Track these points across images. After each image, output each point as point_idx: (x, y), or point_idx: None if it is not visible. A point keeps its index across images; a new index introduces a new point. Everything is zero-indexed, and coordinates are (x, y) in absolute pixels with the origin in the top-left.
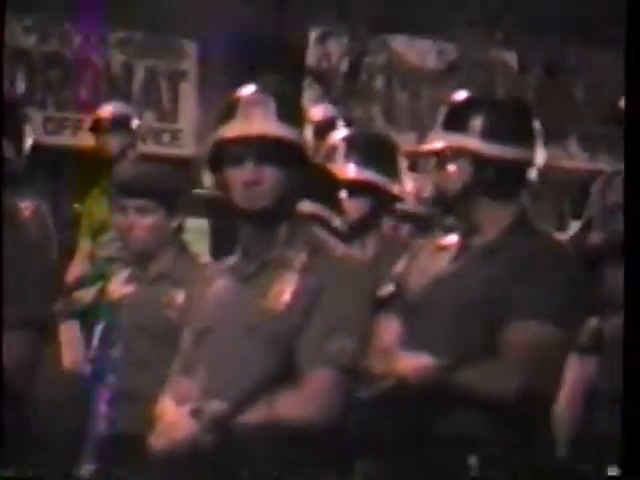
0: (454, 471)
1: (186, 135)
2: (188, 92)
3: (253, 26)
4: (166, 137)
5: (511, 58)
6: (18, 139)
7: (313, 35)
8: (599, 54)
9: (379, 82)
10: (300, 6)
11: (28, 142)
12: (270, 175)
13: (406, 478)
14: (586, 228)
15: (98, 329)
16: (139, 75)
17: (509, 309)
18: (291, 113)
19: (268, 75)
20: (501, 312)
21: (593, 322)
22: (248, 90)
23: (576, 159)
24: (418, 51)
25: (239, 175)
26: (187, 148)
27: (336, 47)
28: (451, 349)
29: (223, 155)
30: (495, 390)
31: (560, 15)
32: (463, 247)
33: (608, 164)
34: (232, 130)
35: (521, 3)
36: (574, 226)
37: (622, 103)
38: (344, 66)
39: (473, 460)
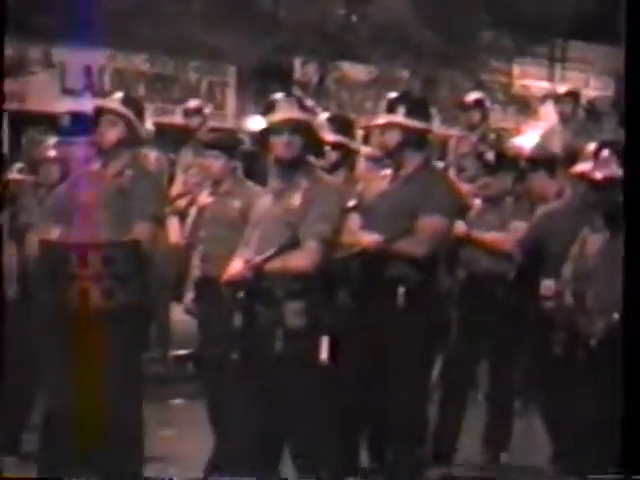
0: (390, 296)
1: (230, 117)
2: (230, 94)
3: (265, 55)
4: (219, 118)
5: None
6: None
7: (297, 61)
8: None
9: (334, 88)
10: (290, 44)
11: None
12: (295, 140)
13: (363, 297)
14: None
15: (190, 222)
16: (204, 84)
17: (419, 209)
18: (302, 106)
19: (276, 85)
20: (415, 210)
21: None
22: (279, 95)
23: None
24: (355, 70)
25: (279, 139)
26: (230, 123)
27: (311, 68)
28: (388, 231)
29: (269, 130)
30: (413, 252)
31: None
32: (394, 177)
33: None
34: (276, 116)
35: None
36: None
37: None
38: (315, 79)
39: (401, 290)
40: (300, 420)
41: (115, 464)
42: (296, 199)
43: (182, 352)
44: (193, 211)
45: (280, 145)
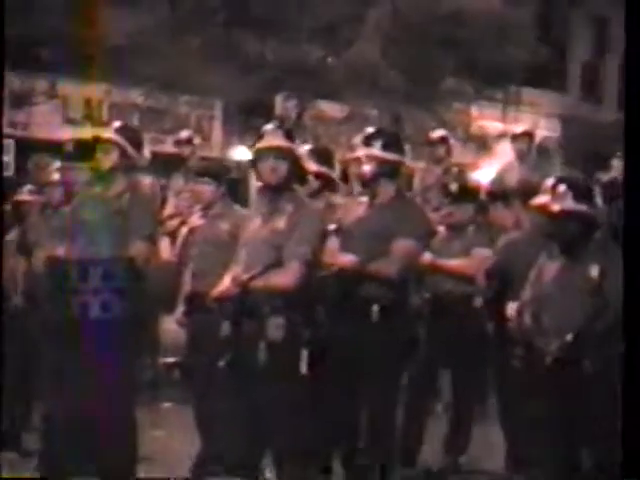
0: (365, 313)
1: (216, 147)
2: (217, 126)
3: (249, 92)
4: (206, 148)
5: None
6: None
7: (279, 98)
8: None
9: (311, 123)
10: (272, 82)
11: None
12: (281, 166)
13: (340, 314)
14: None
15: (180, 241)
16: (193, 117)
17: (393, 233)
18: (288, 136)
19: (258, 119)
20: (389, 234)
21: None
22: (268, 126)
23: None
24: (330, 108)
25: (266, 165)
26: (215, 153)
27: (290, 105)
28: (364, 254)
29: (257, 156)
30: (387, 272)
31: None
32: (370, 204)
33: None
34: (263, 143)
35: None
36: None
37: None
38: (294, 114)
39: (375, 308)
40: (280, 426)
41: (110, 462)
42: (281, 222)
43: (170, 360)
44: (184, 231)
45: (267, 170)
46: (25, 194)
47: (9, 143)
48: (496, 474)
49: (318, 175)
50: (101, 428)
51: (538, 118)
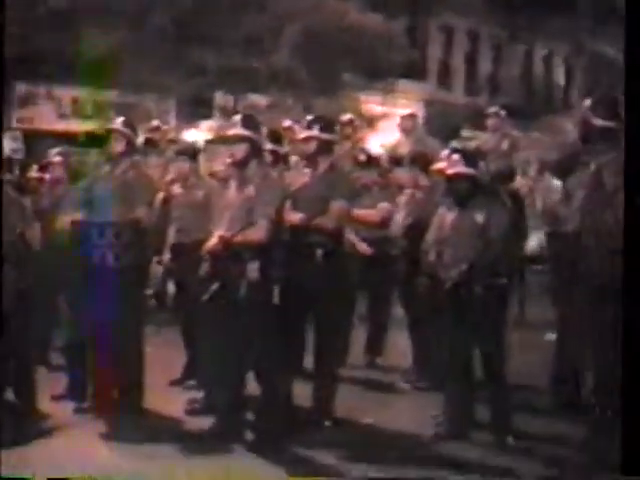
0: (312, 256)
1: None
2: (173, 116)
3: (195, 90)
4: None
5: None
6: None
7: (218, 94)
8: None
9: (243, 112)
10: (213, 82)
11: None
12: (244, 148)
13: (295, 258)
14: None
15: (158, 207)
16: (155, 111)
17: (330, 197)
18: (248, 125)
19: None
20: (327, 198)
21: None
22: (234, 119)
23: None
24: (258, 99)
25: (234, 147)
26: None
27: (228, 99)
28: (311, 211)
29: (225, 142)
30: (327, 226)
31: None
32: (312, 174)
33: None
34: (232, 132)
35: None
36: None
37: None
38: (231, 106)
39: (319, 252)
40: (258, 342)
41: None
42: (251, 190)
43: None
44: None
45: (235, 151)
46: (34, 172)
47: (17, 134)
48: (405, 370)
49: (272, 152)
50: (114, 346)
51: (408, 102)
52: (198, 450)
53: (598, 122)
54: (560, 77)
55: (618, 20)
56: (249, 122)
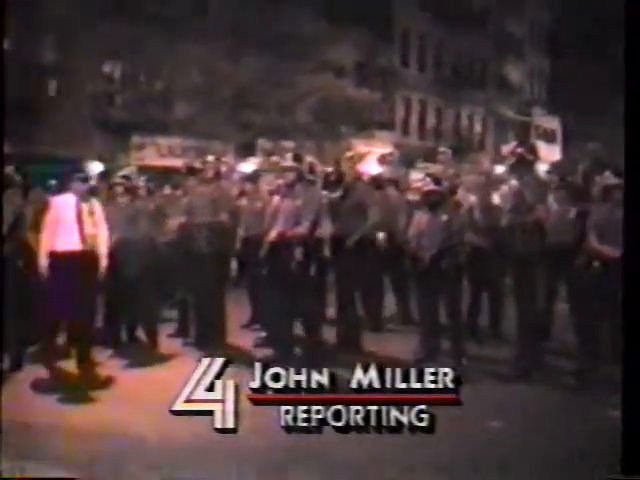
0: (291, 256)
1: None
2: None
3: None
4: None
5: None
6: None
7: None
8: None
9: None
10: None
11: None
12: (293, 174)
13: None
14: None
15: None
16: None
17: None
18: (297, 160)
19: None
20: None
21: None
22: (287, 156)
23: None
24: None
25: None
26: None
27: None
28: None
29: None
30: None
31: None
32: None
33: None
34: (287, 164)
35: None
36: None
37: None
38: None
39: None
40: (301, 301)
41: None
42: (299, 202)
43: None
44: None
45: (287, 176)
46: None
47: (133, 168)
48: (392, 317)
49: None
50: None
51: (383, 144)
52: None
53: (529, 157)
54: (478, 129)
55: (513, 92)
56: (297, 158)
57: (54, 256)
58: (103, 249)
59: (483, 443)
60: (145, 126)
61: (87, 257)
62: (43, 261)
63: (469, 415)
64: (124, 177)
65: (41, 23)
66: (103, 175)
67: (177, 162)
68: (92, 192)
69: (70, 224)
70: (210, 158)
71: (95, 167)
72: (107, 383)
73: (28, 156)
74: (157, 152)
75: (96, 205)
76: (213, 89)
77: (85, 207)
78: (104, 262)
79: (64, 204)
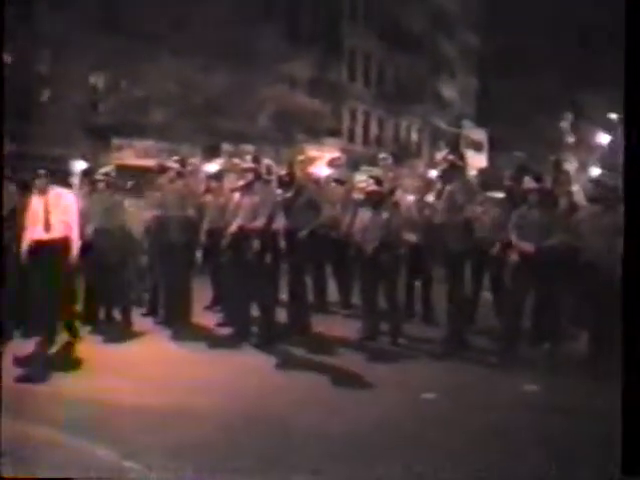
0: (250, 246)
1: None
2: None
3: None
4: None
5: None
6: None
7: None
8: None
9: None
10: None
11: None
12: (252, 174)
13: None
14: None
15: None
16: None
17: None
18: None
19: None
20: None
21: None
22: (246, 158)
23: None
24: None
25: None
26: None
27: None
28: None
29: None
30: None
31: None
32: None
33: None
34: (246, 165)
35: None
36: None
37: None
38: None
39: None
40: (257, 285)
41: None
42: (256, 199)
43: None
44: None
45: (247, 175)
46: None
47: (112, 167)
48: (336, 302)
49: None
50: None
51: (331, 150)
52: (222, 346)
53: (459, 163)
54: (415, 138)
55: (445, 106)
56: (256, 160)
57: (30, 244)
58: (74, 235)
59: (417, 410)
60: (124, 130)
61: (55, 244)
62: (24, 249)
63: (407, 387)
64: (105, 174)
65: (36, 39)
66: (87, 172)
67: (152, 162)
68: (68, 186)
69: (36, 215)
70: (175, 158)
71: (79, 165)
72: (88, 356)
73: (23, 154)
74: (134, 153)
75: (68, 196)
76: (185, 98)
77: (51, 199)
78: (76, 247)
79: (35, 198)
